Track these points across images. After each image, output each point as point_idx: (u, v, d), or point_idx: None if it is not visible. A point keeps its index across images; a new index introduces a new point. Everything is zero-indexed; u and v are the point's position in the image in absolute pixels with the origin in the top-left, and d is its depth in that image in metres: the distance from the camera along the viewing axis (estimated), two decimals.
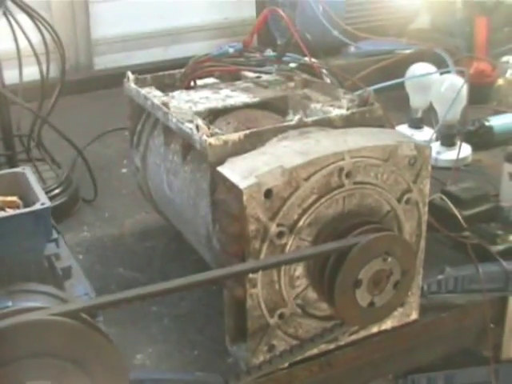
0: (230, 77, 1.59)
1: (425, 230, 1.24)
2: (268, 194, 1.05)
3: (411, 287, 1.20)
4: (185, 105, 1.40)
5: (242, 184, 1.04)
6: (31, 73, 1.82)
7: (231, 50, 1.49)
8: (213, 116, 1.39)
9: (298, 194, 1.08)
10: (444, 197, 1.52)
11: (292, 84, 1.49)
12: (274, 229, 1.07)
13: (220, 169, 1.11)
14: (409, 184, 1.18)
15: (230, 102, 1.42)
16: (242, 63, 1.50)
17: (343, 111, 1.29)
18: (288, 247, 1.10)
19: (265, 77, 1.55)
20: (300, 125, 1.22)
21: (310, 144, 1.13)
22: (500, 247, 1.45)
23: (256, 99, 1.44)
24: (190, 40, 3.02)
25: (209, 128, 1.17)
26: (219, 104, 1.40)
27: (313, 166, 1.08)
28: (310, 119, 1.25)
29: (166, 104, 1.34)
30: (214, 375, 1.16)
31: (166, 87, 1.54)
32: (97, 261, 1.55)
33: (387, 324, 1.29)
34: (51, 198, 1.53)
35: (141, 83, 1.54)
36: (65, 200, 1.72)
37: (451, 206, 1.48)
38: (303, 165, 1.08)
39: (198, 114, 1.36)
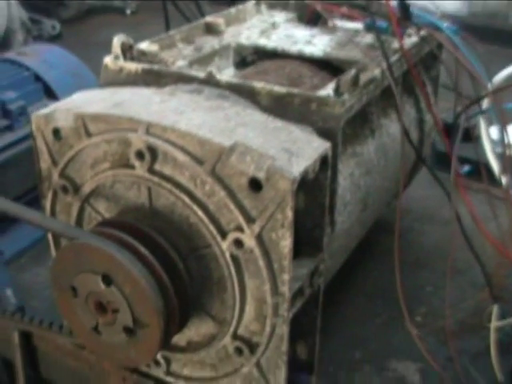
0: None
1: (285, 310, 0.75)
2: (56, 133, 0.84)
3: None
4: (257, 36, 1.15)
5: (42, 111, 0.86)
6: None
7: None
8: (261, 55, 1.10)
9: (86, 150, 0.81)
10: None
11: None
12: (56, 177, 0.85)
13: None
14: (239, 218, 0.73)
15: (294, 48, 1.08)
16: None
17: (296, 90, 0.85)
18: (74, 211, 0.86)
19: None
20: (209, 81, 0.87)
21: (147, 102, 0.82)
22: None
23: (318, 54, 1.05)
24: None
25: (125, 54, 0.95)
26: (271, 45, 1.09)
27: (99, 122, 0.79)
28: (227, 79, 0.87)
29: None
30: None
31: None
32: None
33: None
34: None
35: (281, 6, 1.29)
36: None
37: None
38: (92, 116, 0.80)
39: (241, 47, 1.11)
